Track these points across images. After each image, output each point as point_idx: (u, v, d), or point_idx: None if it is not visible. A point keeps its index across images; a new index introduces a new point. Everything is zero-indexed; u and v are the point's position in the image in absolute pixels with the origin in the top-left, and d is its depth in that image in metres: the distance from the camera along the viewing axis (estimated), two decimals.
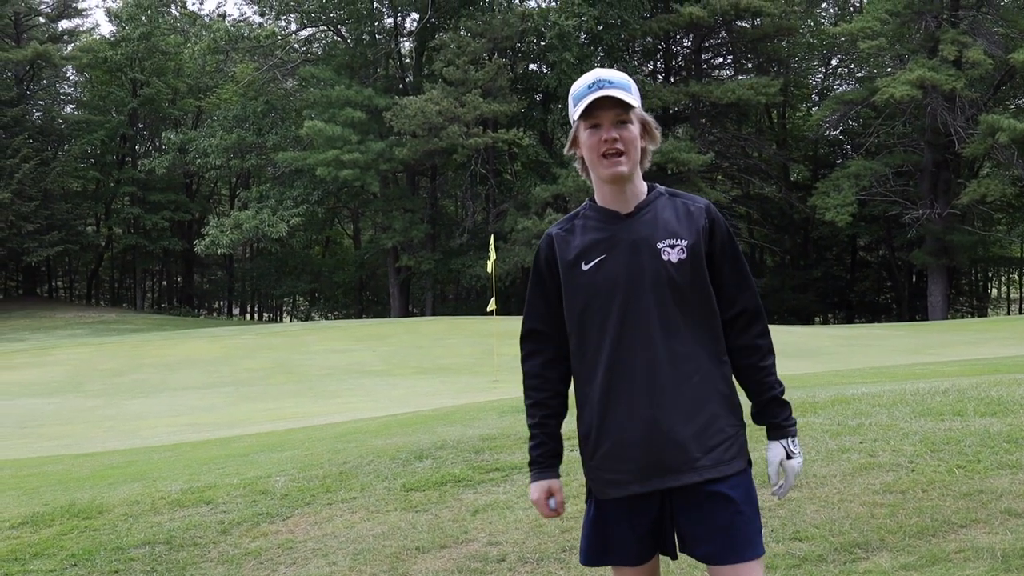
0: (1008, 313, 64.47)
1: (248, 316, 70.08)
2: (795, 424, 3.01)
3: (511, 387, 16.09)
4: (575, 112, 2.94)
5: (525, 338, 3.10)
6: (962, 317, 52.20)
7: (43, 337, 39.32)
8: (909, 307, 51.45)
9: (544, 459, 3.08)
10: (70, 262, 64.41)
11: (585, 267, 2.95)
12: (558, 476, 3.08)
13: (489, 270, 21.64)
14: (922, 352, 20.23)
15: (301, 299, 69.30)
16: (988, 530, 4.67)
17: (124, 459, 9.37)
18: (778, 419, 3.00)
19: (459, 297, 58.04)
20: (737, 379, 3.00)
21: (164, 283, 69.75)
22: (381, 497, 6.03)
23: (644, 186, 3.03)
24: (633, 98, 2.93)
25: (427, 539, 5.20)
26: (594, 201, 3.06)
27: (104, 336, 37.26)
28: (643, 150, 2.99)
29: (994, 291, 68.98)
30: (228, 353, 25.70)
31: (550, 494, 3.05)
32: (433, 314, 47.61)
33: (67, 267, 66.47)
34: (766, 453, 3.00)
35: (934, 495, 5.13)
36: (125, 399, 18.83)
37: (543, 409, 3.07)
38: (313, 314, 66.59)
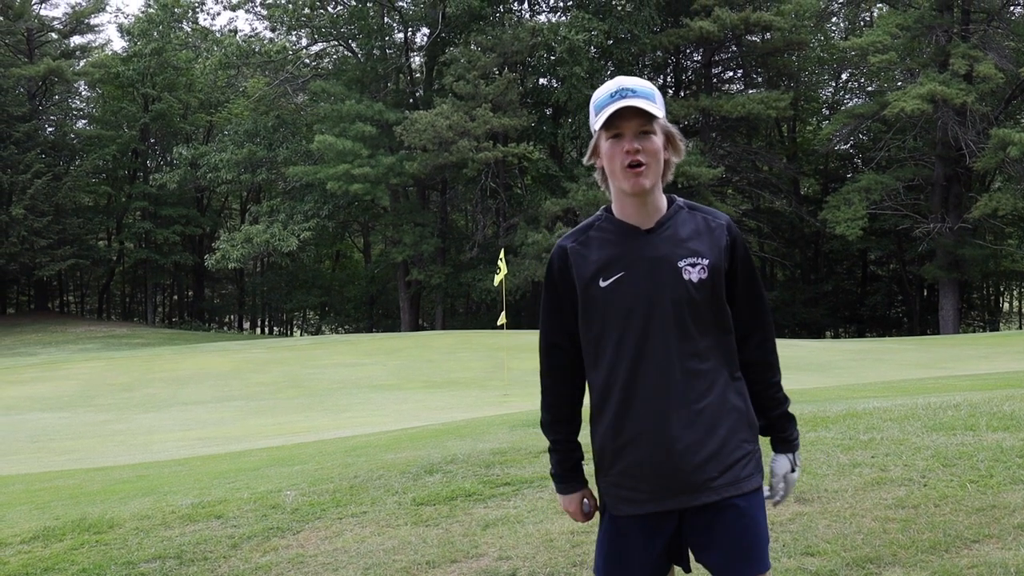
0: (1020, 327, 64.22)
1: (258, 330, 70.20)
2: (798, 438, 3.06)
3: (522, 401, 16.09)
4: (596, 121, 2.86)
5: (546, 352, 3.05)
6: (973, 331, 52.01)
7: (54, 351, 39.44)
8: (920, 321, 51.29)
9: (571, 472, 3.08)
10: (82, 276, 64.66)
11: (603, 284, 2.88)
12: (586, 484, 3.09)
13: (496, 283, 21.63)
14: (933, 366, 20.15)
15: (311, 313, 69.40)
16: (1001, 545, 4.64)
17: (135, 473, 9.38)
18: (786, 433, 3.02)
19: (469, 311, 58.06)
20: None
21: (175, 297, 69.95)
22: (391, 511, 6.02)
23: (664, 200, 2.95)
24: (657, 108, 2.84)
25: (437, 554, 5.19)
26: (610, 212, 2.98)
27: (115, 350, 37.36)
28: (666, 162, 2.91)
29: (1006, 305, 68.75)
30: (238, 367, 25.74)
31: (583, 502, 3.09)
32: (443, 328, 47.63)
33: (79, 281, 66.74)
34: (771, 464, 3.03)
35: (946, 510, 5.11)
36: (136, 413, 18.86)
37: (566, 425, 3.05)
38: (323, 328, 66.67)
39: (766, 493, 2.99)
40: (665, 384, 2.83)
